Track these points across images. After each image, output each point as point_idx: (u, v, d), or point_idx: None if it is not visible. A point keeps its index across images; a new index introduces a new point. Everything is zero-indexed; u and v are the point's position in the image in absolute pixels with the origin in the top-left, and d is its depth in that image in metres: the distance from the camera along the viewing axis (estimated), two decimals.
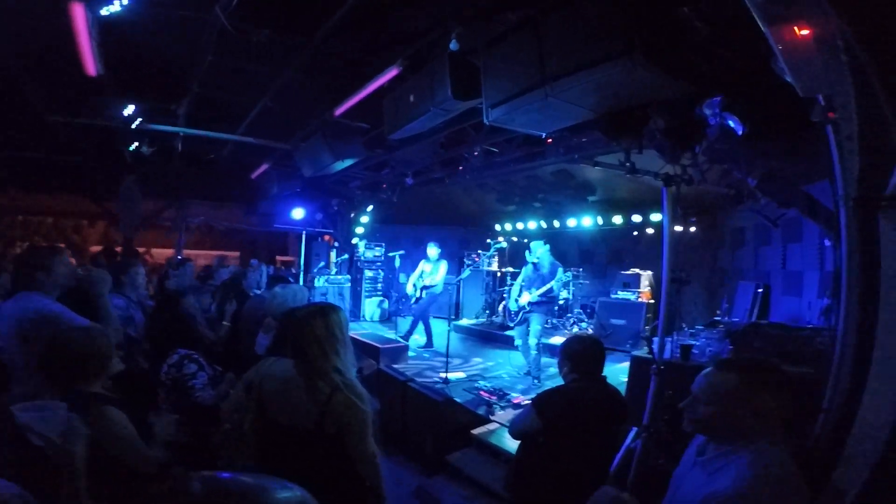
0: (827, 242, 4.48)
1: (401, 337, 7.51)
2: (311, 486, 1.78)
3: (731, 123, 2.89)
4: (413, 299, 7.59)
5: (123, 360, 2.09)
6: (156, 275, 7.39)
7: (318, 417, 1.76)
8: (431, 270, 7.35)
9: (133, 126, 5.53)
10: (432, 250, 7.46)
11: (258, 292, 5.00)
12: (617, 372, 4.91)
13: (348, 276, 10.32)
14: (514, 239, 10.07)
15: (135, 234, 9.41)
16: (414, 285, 7.48)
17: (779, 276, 5.83)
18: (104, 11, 3.10)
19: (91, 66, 3.80)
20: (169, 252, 10.63)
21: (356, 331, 7.87)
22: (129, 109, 5.33)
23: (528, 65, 2.87)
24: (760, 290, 5.85)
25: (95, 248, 9.76)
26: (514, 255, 9.75)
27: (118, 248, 8.95)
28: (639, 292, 7.50)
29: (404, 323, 8.17)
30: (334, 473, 1.80)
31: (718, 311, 6.07)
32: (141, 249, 10.00)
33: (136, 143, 6.29)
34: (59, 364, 1.84)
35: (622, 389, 3.90)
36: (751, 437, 1.35)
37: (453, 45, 3.31)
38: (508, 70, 3.07)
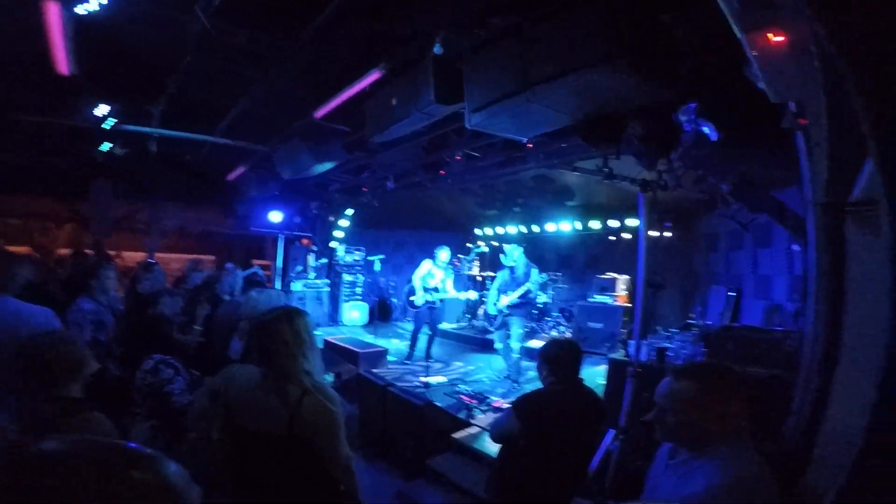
0: (795, 247, 4.64)
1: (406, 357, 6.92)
2: (285, 492, 1.77)
3: (706, 130, 2.98)
4: (422, 304, 6.72)
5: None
6: (127, 278, 7.17)
7: (288, 422, 1.73)
8: (444, 277, 6.75)
9: (106, 126, 5.37)
10: (444, 254, 6.81)
11: (234, 296, 4.90)
12: (594, 375, 4.96)
13: (327, 281, 10.21)
14: (495, 243, 10.14)
15: (106, 236, 9.12)
16: (424, 289, 6.70)
17: (750, 280, 6.00)
18: (80, 10, 3.01)
19: (64, 65, 3.69)
20: (141, 255, 10.32)
21: (335, 336, 7.78)
22: (103, 110, 5.17)
23: (512, 70, 2.90)
24: (733, 294, 6.01)
25: (63, 251, 9.41)
26: (495, 260, 9.79)
27: (88, 251, 8.65)
28: (615, 296, 7.62)
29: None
30: (308, 478, 1.78)
31: (692, 315, 6.22)
32: (112, 252, 9.68)
33: (109, 144, 6.12)
34: (40, 369, 1.79)
35: (600, 392, 3.95)
36: (718, 441, 1.37)
37: (437, 50, 3.32)
38: (492, 75, 3.10)
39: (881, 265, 1.56)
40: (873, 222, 1.57)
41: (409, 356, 6.91)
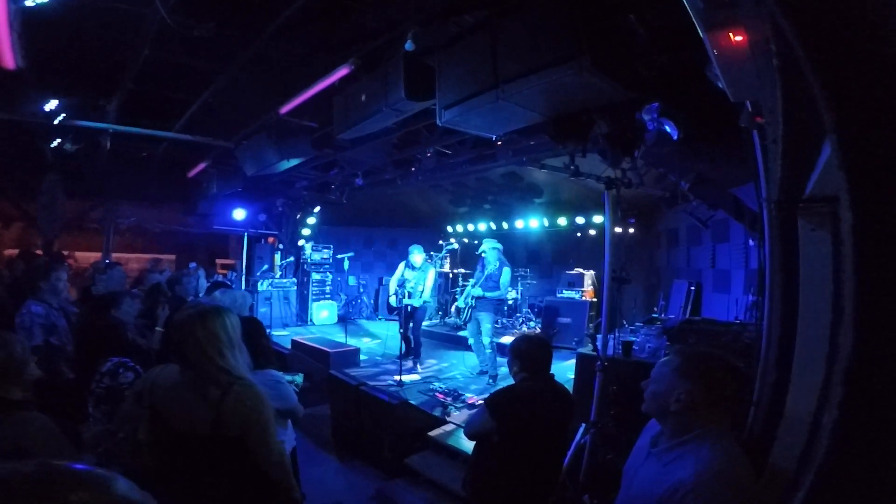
0: (751, 242, 4.86)
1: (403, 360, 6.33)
2: (218, 491, 1.75)
3: (668, 128, 3.08)
4: (395, 309, 6.51)
5: (46, 369, 1.96)
6: (80, 279, 6.82)
7: (212, 421, 1.73)
8: (417, 279, 6.41)
9: (56, 122, 5.08)
10: (417, 256, 6.47)
11: (198, 298, 4.74)
12: (564, 369, 5.06)
13: (294, 280, 10.01)
14: (466, 240, 10.18)
15: (56, 236, 8.64)
16: (396, 294, 6.43)
17: (709, 275, 6.24)
18: (30, 2, 2.84)
19: (9, 58, 3.46)
20: (96, 256, 9.86)
21: (304, 336, 7.64)
22: (52, 104, 4.89)
23: (482, 67, 2.91)
24: (693, 288, 6.24)
25: (11, 252, 8.88)
26: (466, 257, 9.86)
27: (38, 252, 8.18)
28: (582, 291, 7.79)
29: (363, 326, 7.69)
30: (238, 475, 1.78)
31: (656, 309, 6.43)
32: (64, 253, 9.20)
33: (59, 140, 5.79)
34: None
35: (570, 386, 4.03)
36: (701, 425, 1.40)
37: (409, 46, 3.29)
38: (463, 72, 3.10)
39: (827, 260, 1.64)
40: (824, 218, 1.65)
41: (404, 355, 6.39)
